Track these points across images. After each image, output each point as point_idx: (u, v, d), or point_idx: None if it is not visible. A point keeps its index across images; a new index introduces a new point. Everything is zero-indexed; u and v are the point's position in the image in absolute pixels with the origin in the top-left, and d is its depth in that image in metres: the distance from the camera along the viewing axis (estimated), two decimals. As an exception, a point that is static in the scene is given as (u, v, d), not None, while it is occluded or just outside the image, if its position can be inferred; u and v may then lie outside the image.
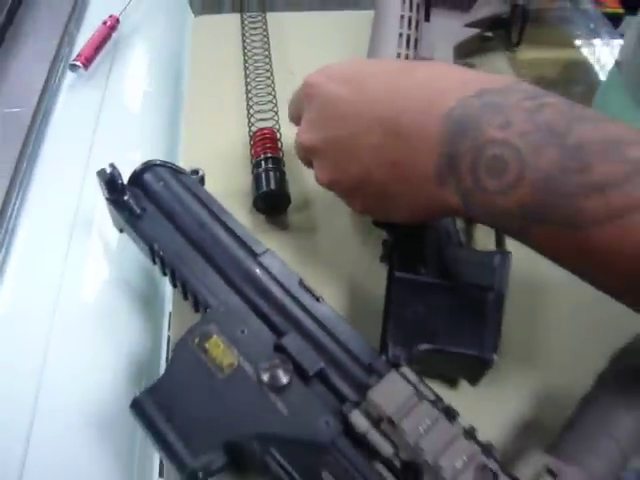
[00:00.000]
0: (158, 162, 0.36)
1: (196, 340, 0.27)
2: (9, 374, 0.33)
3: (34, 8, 0.56)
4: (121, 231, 0.38)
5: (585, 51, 0.63)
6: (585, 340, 0.37)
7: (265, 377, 0.26)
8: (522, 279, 0.37)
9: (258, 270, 0.31)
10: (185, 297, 0.33)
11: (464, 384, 0.33)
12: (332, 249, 0.43)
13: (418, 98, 0.29)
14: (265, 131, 0.48)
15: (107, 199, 0.35)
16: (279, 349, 0.28)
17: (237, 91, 0.54)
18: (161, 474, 0.36)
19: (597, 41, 0.65)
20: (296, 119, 0.39)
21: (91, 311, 0.37)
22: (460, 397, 0.33)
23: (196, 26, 0.63)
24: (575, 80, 0.60)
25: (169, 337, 0.41)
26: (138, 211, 0.34)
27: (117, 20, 0.55)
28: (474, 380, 0.32)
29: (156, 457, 0.36)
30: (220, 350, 0.27)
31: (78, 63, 0.50)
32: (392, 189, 0.31)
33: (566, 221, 0.24)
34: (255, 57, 0.56)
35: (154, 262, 0.34)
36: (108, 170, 0.34)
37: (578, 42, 0.64)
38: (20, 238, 0.40)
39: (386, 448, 0.25)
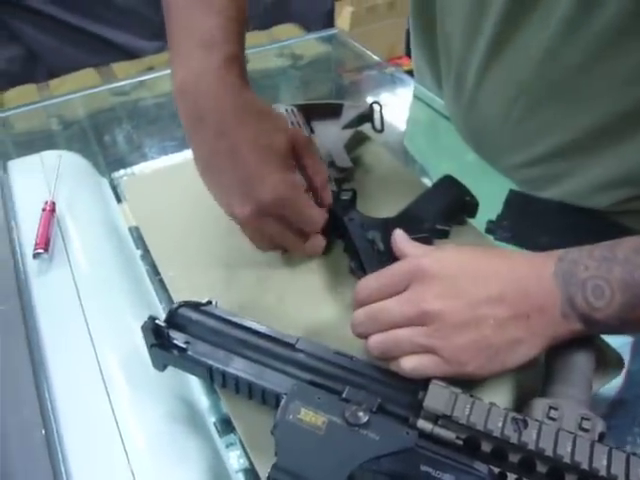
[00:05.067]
0: (181, 303, 0.45)
1: (290, 417, 0.36)
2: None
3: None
4: (164, 369, 0.45)
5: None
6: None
7: (352, 420, 0.36)
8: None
9: (301, 355, 0.41)
10: (250, 397, 0.41)
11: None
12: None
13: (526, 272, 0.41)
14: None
15: (153, 345, 0.43)
16: (345, 401, 0.38)
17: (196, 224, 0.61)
18: None
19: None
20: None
21: (155, 446, 0.44)
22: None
23: (128, 185, 0.71)
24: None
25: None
26: (184, 345, 0.42)
27: (53, 203, 0.62)
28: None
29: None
30: (310, 416, 0.36)
31: (41, 251, 0.56)
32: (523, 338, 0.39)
33: None
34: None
35: (212, 380, 0.42)
36: (150, 321, 0.42)
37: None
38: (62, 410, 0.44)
39: (448, 435, 0.36)
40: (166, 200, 0.65)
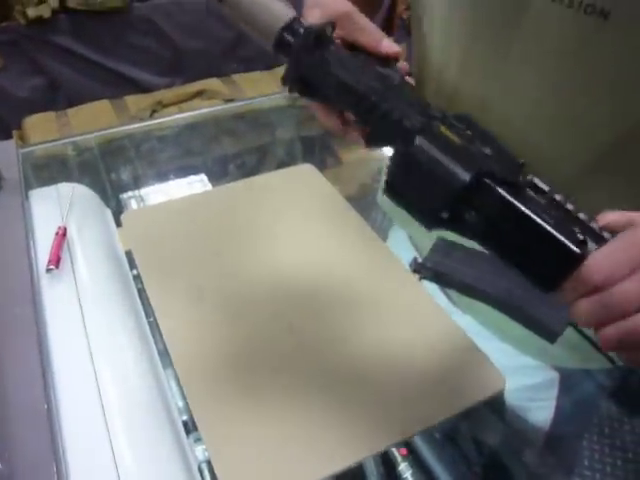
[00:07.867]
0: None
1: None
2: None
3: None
4: (290, 90, 0.47)
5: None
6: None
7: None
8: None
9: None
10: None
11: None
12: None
13: None
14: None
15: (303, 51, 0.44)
16: None
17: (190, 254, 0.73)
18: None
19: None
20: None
21: (135, 436, 0.51)
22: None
23: (126, 217, 0.81)
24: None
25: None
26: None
27: (65, 228, 0.72)
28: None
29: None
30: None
31: (53, 267, 0.65)
32: None
33: None
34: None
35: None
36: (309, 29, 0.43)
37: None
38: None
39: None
40: (156, 231, 0.78)
